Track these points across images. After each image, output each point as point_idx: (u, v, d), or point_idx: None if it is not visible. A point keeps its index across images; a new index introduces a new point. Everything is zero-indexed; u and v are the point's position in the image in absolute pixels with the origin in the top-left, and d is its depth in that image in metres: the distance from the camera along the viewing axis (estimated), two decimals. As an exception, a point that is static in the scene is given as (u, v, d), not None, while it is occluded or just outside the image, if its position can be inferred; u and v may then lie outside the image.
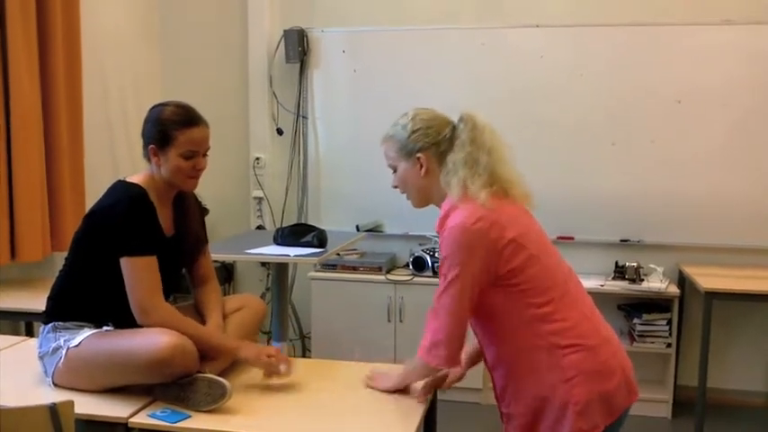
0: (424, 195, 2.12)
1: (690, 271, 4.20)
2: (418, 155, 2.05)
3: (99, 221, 2.27)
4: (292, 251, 3.62)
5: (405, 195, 2.16)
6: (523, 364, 1.99)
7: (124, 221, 2.23)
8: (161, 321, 2.20)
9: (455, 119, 2.09)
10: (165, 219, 2.36)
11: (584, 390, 1.93)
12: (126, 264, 2.23)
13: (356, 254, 4.74)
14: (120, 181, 2.35)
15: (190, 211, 2.49)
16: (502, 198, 2.01)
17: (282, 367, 2.30)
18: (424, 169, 2.06)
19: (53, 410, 1.84)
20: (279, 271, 3.94)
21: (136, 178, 2.33)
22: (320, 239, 3.72)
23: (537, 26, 4.50)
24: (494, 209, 1.97)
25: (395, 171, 2.13)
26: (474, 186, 1.98)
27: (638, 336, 4.27)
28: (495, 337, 2.04)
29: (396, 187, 2.16)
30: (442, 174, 2.04)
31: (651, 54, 4.37)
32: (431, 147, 2.06)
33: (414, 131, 2.06)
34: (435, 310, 2.00)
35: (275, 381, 2.30)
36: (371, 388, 2.26)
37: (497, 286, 1.96)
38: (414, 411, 2.12)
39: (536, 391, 1.97)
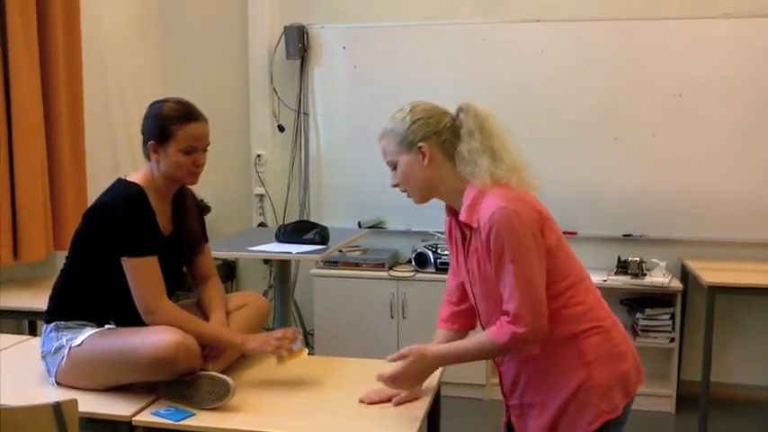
0: (428, 188, 2.07)
1: (693, 265, 4.19)
2: (420, 144, 2.02)
3: (97, 219, 2.28)
4: (294, 248, 3.63)
5: (405, 193, 2.12)
6: (542, 354, 1.98)
7: (121, 220, 2.23)
8: (166, 321, 2.21)
9: (453, 111, 2.08)
10: (163, 216, 2.36)
11: (605, 372, 1.96)
12: (127, 264, 2.23)
13: (358, 250, 4.74)
14: (119, 179, 2.36)
15: (188, 209, 2.49)
16: (520, 182, 2.01)
17: (296, 345, 2.31)
18: (426, 159, 2.02)
19: (57, 409, 1.84)
20: (281, 268, 3.94)
21: (135, 176, 2.34)
22: (322, 236, 3.72)
23: (538, 21, 4.48)
24: (522, 191, 1.98)
25: (394, 168, 2.09)
26: (501, 171, 1.97)
27: (642, 331, 4.26)
28: None
29: (395, 186, 2.11)
30: (458, 164, 2.01)
31: (651, 48, 4.36)
32: (432, 136, 2.03)
33: (413, 122, 2.04)
34: (517, 299, 1.88)
35: (289, 362, 2.30)
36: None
37: None
38: (417, 408, 2.12)
39: (556, 380, 1.98)
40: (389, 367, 2.10)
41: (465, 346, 2.06)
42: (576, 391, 1.96)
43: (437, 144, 2.04)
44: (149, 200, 2.29)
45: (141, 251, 2.24)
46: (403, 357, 2.06)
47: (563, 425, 1.98)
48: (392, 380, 2.09)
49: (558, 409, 1.99)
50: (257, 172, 4.95)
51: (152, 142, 2.31)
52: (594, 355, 1.96)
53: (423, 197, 2.10)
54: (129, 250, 2.23)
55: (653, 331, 4.26)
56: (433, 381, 2.25)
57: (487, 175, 1.97)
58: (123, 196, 2.26)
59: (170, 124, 2.28)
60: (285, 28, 4.80)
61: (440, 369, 2.27)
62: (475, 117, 2.03)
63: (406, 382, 2.10)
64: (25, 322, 3.75)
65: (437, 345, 2.14)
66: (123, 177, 2.36)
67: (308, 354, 2.41)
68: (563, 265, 1.98)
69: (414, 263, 4.54)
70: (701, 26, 4.30)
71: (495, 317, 1.99)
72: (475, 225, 1.97)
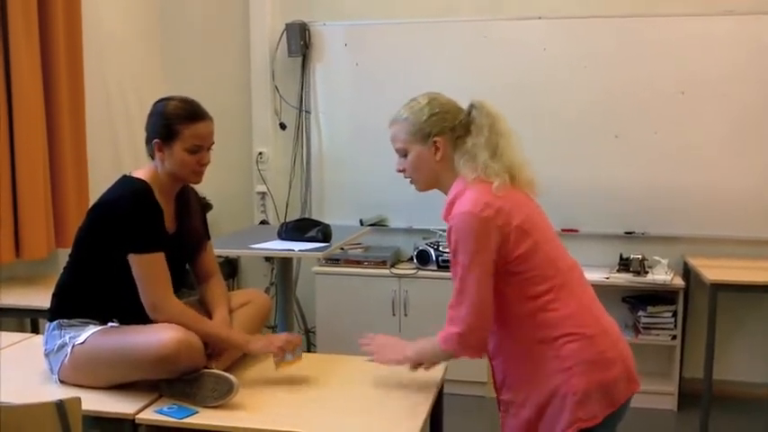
0: (433, 179, 2.10)
1: (695, 263, 4.19)
2: (435, 138, 2.05)
3: (103, 216, 2.27)
4: (296, 246, 3.62)
5: (408, 180, 2.15)
6: (523, 354, 2.00)
7: (129, 217, 2.23)
8: (172, 318, 2.21)
9: (464, 106, 2.11)
10: (167, 215, 2.36)
11: (583, 379, 1.94)
12: (135, 261, 2.23)
13: (360, 248, 4.74)
14: (124, 176, 2.36)
15: (191, 207, 2.49)
16: (508, 184, 2.02)
17: (296, 351, 2.32)
18: (440, 153, 2.05)
19: (60, 407, 1.84)
20: (283, 266, 3.94)
21: (140, 173, 2.34)
22: (324, 234, 3.72)
23: (539, 18, 4.48)
24: (501, 195, 1.98)
25: (402, 155, 2.11)
26: (494, 168, 1.99)
27: (644, 328, 4.26)
28: (495, 326, 2.03)
29: (400, 171, 2.14)
30: (458, 156, 2.04)
31: (654, 45, 4.36)
32: (448, 131, 2.06)
33: (432, 115, 2.06)
34: (457, 301, 1.97)
35: (287, 369, 2.31)
36: (374, 360, 2.24)
37: (503, 274, 1.97)
38: (420, 405, 2.12)
39: (535, 380, 1.98)
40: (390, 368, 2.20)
41: (423, 344, 2.13)
42: (552, 395, 1.95)
43: (450, 140, 2.06)
44: (155, 197, 2.29)
45: (148, 247, 2.24)
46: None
47: (540, 427, 1.98)
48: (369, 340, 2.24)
49: (534, 410, 1.99)
50: (259, 170, 4.95)
51: (157, 141, 2.30)
52: (573, 362, 1.94)
53: (426, 187, 2.14)
54: (136, 246, 2.23)
55: (655, 329, 4.26)
56: (435, 378, 2.26)
57: (481, 167, 2.00)
58: (130, 192, 2.26)
59: (175, 123, 2.28)
60: (286, 25, 4.79)
61: (443, 366, 2.28)
62: (487, 115, 2.06)
63: (382, 347, 2.23)
64: (27, 320, 3.75)
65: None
66: (128, 174, 2.36)
67: (310, 351, 2.42)
68: (542, 268, 1.98)
69: (415, 260, 4.54)
70: (703, 23, 4.30)
71: None
72: (449, 224, 2.01)
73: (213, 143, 2.37)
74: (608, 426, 1.98)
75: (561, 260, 2.05)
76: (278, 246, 3.67)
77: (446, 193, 2.10)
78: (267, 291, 4.76)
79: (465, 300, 1.95)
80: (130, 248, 2.23)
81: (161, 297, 2.24)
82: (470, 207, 1.94)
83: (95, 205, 2.32)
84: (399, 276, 4.50)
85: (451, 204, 2.02)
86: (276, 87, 4.91)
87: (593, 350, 1.96)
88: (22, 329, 3.67)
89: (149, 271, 2.24)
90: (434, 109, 2.07)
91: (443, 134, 2.05)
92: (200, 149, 2.31)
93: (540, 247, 1.99)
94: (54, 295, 2.37)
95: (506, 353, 2.04)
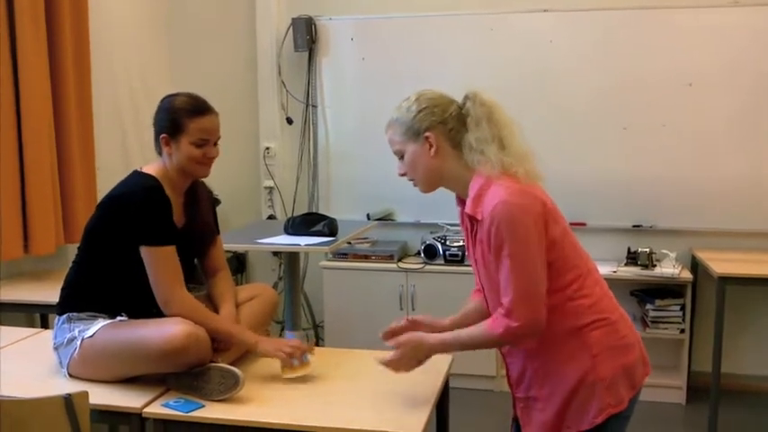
0: (435, 178, 2.06)
1: (703, 256, 4.17)
2: (426, 134, 2.01)
3: (115, 209, 2.29)
4: (303, 240, 3.63)
5: (412, 182, 2.11)
6: (546, 347, 1.98)
7: (142, 211, 2.25)
8: (183, 312, 2.23)
9: (459, 100, 2.07)
10: (176, 210, 2.37)
11: (610, 365, 1.95)
12: (147, 254, 2.25)
13: (367, 242, 4.74)
14: (135, 171, 2.38)
15: (201, 202, 2.50)
16: (528, 173, 1.99)
17: (305, 357, 2.30)
18: (434, 149, 2.01)
19: (68, 401, 1.86)
20: (290, 260, 3.95)
21: (150, 168, 2.36)
22: (331, 228, 3.73)
23: (545, 11, 4.46)
24: (529, 183, 1.95)
25: (401, 157, 2.08)
26: (510, 159, 1.96)
27: (652, 322, 4.25)
28: None
29: (403, 175, 2.10)
30: (465, 153, 2.00)
31: (661, 37, 4.34)
32: (438, 125, 2.01)
33: (419, 111, 2.02)
34: (513, 293, 1.89)
35: (292, 375, 2.29)
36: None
37: None
38: (426, 399, 2.13)
39: (560, 372, 1.97)
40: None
41: (465, 336, 2.04)
42: (581, 385, 1.95)
43: (443, 133, 2.02)
44: (166, 192, 2.31)
45: (161, 241, 2.26)
46: (400, 345, 2.10)
47: (568, 419, 1.97)
48: (388, 364, 2.12)
49: (562, 403, 1.98)
50: (266, 164, 4.96)
51: (164, 135, 2.33)
52: (600, 349, 1.95)
53: (429, 186, 2.09)
54: (149, 239, 2.25)
55: (663, 322, 4.25)
56: (441, 372, 2.25)
57: (497, 162, 1.95)
58: (142, 187, 2.29)
59: (181, 117, 2.31)
60: (293, 20, 4.79)
61: (448, 360, 2.28)
62: (482, 106, 2.01)
63: (404, 366, 2.12)
64: (37, 315, 3.77)
65: (438, 333, 2.12)
66: (139, 169, 2.38)
67: (318, 345, 2.41)
68: (569, 256, 1.97)
69: (423, 255, 4.53)
70: (710, 14, 4.27)
71: (498, 306, 1.99)
72: (479, 217, 1.96)
73: (219, 138, 2.39)
74: (631, 410, 1.99)
75: (582, 249, 2.04)
76: (285, 240, 3.68)
77: (453, 190, 2.08)
78: (275, 285, 4.77)
79: (520, 292, 1.89)
80: (143, 241, 2.25)
81: (173, 290, 2.26)
82: (508, 196, 1.89)
83: (106, 198, 2.34)
84: (407, 271, 4.50)
85: (479, 198, 1.96)
86: (283, 82, 4.92)
87: (616, 335, 1.98)
88: (31, 325, 3.69)
89: (162, 264, 2.26)
90: (422, 105, 2.03)
91: (434, 128, 2.01)
92: (207, 143, 2.34)
93: (566, 234, 1.97)
94: (63, 289, 2.39)
95: (527, 348, 2.02)
